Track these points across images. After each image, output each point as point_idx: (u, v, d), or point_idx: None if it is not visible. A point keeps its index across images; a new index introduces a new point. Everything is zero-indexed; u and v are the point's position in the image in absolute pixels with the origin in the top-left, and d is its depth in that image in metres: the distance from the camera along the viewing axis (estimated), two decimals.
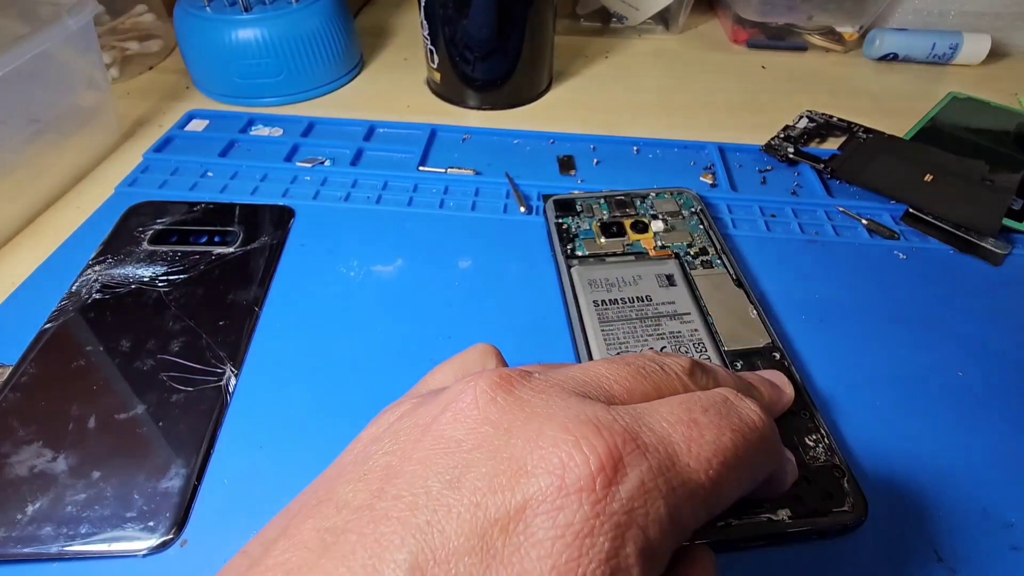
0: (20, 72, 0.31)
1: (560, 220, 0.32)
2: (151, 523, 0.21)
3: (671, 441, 0.14)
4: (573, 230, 0.32)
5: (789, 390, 0.22)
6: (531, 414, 0.14)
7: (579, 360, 0.25)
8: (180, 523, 0.21)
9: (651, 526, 0.12)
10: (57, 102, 0.35)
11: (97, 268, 0.30)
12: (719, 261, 0.30)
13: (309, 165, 0.38)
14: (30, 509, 0.21)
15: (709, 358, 0.25)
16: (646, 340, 0.26)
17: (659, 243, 0.31)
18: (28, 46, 0.31)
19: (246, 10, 0.41)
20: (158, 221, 0.33)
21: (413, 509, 0.12)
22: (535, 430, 0.13)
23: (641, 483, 0.13)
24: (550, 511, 0.12)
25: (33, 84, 0.33)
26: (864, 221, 0.34)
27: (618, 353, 0.25)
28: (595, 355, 0.25)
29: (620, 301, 0.28)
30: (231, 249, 0.31)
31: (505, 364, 0.19)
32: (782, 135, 0.40)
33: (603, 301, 0.28)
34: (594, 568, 0.12)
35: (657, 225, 0.32)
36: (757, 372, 0.22)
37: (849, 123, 0.41)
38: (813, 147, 0.40)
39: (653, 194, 0.34)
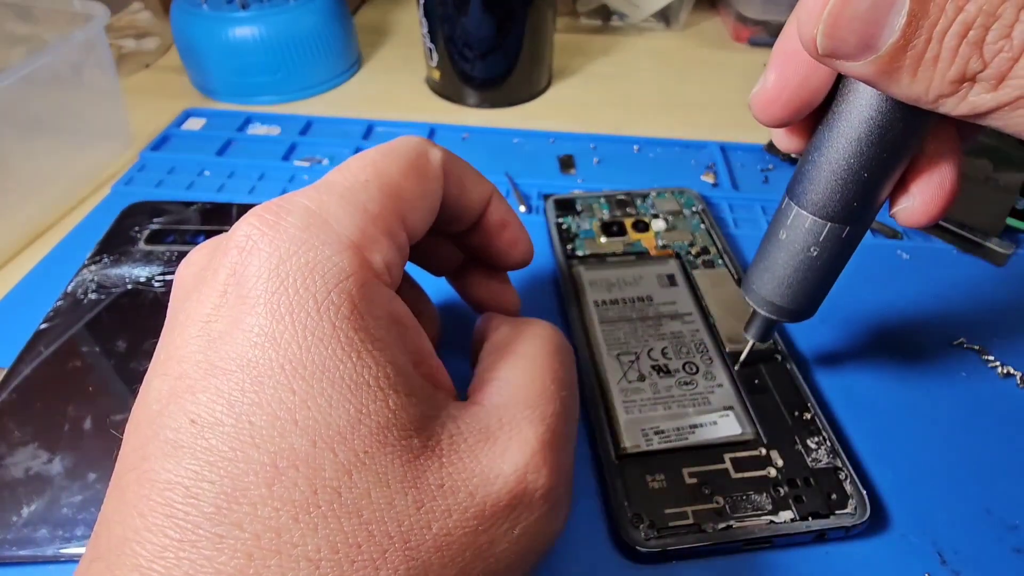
0: (31, 80, 0.31)
1: (560, 220, 0.32)
2: None
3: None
4: (573, 230, 0.32)
5: (522, 229, 0.21)
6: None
7: (581, 368, 0.25)
8: None
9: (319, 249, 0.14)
10: (69, 112, 0.35)
11: (93, 268, 0.30)
12: (720, 261, 0.30)
13: (307, 164, 0.37)
14: (26, 511, 0.21)
15: (711, 359, 0.25)
16: (647, 340, 0.26)
17: (660, 242, 0.31)
18: (41, 55, 0.31)
19: (243, 7, 0.41)
20: (155, 220, 0.32)
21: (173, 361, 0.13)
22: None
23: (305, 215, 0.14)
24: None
25: (46, 93, 0.33)
26: None
27: (619, 355, 0.25)
28: (597, 356, 0.25)
29: (621, 301, 0.27)
30: None
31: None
32: None
33: (604, 301, 0.27)
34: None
35: (658, 224, 0.32)
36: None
37: None
38: None
39: (654, 193, 0.34)
